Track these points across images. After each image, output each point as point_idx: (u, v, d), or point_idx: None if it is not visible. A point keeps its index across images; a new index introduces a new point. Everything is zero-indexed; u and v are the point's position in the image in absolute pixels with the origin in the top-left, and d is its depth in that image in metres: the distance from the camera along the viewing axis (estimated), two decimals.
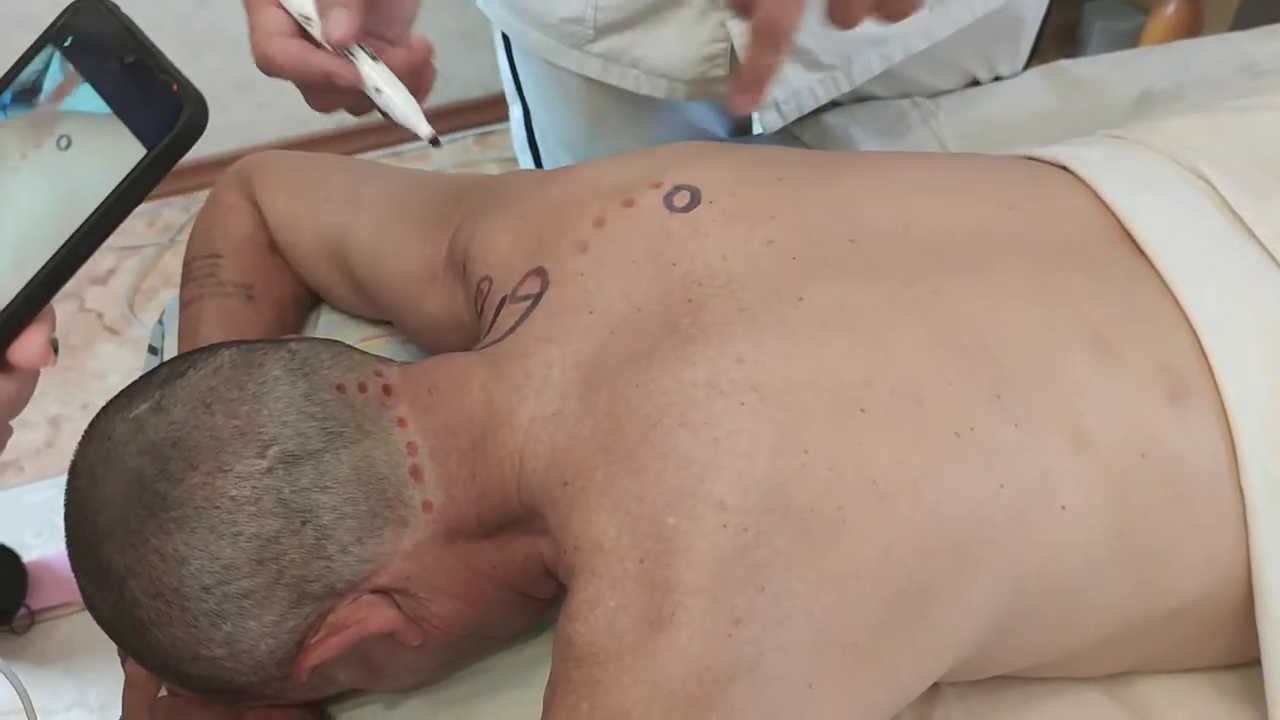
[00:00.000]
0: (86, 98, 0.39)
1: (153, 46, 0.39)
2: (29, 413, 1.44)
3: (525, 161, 1.03)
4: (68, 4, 0.40)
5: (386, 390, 0.53)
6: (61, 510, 0.51)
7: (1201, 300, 0.53)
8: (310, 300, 0.80)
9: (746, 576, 0.44)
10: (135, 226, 1.92)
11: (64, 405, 1.68)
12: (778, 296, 0.50)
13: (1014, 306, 0.52)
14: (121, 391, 0.52)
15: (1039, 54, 0.93)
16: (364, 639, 0.50)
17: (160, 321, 0.84)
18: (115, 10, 0.40)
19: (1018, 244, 0.55)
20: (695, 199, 0.56)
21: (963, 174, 0.60)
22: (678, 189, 0.56)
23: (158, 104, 0.38)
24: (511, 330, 0.55)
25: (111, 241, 0.41)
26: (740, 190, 0.56)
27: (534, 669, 0.62)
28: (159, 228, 1.95)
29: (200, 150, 0.42)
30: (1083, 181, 0.60)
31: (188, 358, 0.52)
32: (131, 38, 0.39)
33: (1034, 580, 0.49)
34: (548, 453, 0.50)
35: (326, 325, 0.80)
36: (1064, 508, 0.48)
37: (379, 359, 0.56)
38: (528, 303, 0.56)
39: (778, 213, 0.54)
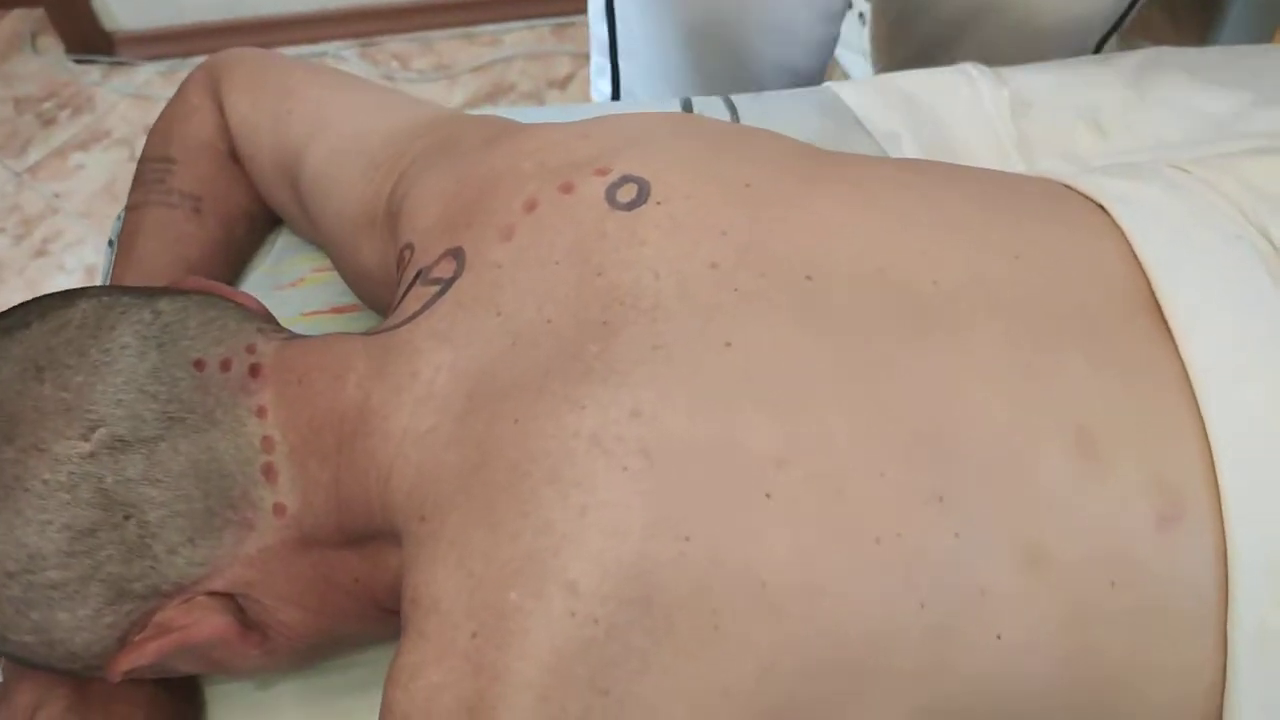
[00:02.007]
0: None
1: None
2: (68, 259, 1.41)
3: (599, 66, 0.95)
4: None
5: (253, 372, 0.47)
6: None
7: (1229, 408, 0.43)
8: (269, 220, 0.73)
9: (588, 676, 0.37)
10: (152, 80, 1.86)
11: (100, 255, 1.67)
12: (702, 337, 0.42)
13: (984, 387, 0.43)
14: None
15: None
16: (188, 647, 0.45)
17: (119, 217, 0.78)
18: None
19: (1012, 306, 0.45)
20: (642, 195, 0.47)
21: (970, 202, 0.50)
22: (625, 180, 0.48)
23: None
24: (411, 319, 0.48)
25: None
26: (697, 192, 0.47)
27: None
28: (177, 84, 1.90)
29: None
30: (1118, 226, 0.49)
31: (41, 304, 0.46)
32: None
33: (953, 713, 0.41)
34: (413, 475, 0.43)
35: (283, 250, 0.73)
36: (999, 637, 0.40)
37: (263, 329, 0.49)
38: (436, 288, 0.48)
39: (731, 229, 0.46)
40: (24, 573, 0.42)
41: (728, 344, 0.42)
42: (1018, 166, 0.71)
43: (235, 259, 0.71)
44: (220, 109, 0.69)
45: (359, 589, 0.48)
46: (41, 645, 0.44)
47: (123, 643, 0.45)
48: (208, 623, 0.45)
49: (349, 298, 0.68)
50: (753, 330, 0.42)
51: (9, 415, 0.42)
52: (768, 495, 0.39)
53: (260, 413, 0.46)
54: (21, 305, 0.47)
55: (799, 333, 0.43)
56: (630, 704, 0.37)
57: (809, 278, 0.44)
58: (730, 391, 0.41)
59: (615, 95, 0.98)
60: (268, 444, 0.45)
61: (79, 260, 1.67)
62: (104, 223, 1.69)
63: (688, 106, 0.80)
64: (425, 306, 0.48)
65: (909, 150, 0.72)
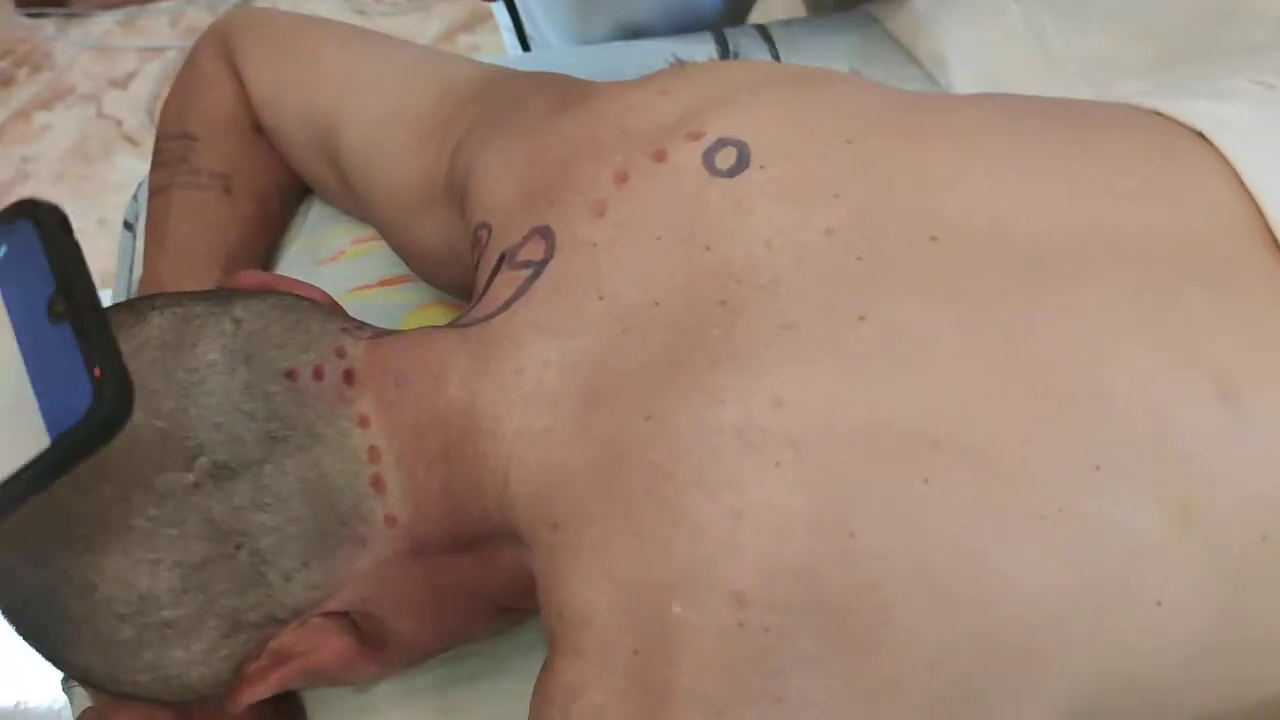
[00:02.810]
0: None
1: (92, 299, 0.29)
2: None
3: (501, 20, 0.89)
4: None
5: (348, 378, 0.44)
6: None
7: None
8: (301, 190, 0.69)
9: (761, 686, 0.36)
10: (158, 26, 1.78)
11: (81, 219, 1.59)
12: (833, 313, 0.40)
13: (1117, 341, 0.41)
14: None
15: None
16: (309, 673, 0.43)
17: (135, 197, 0.74)
18: (65, 227, 0.30)
19: (1128, 249, 0.43)
20: (743, 160, 0.44)
21: (1068, 144, 0.47)
22: (722, 143, 0.45)
23: (73, 381, 0.29)
24: (506, 306, 0.45)
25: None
26: (799, 152, 0.44)
27: (523, 657, 0.55)
28: (183, 29, 1.81)
29: None
30: (1219, 152, 0.47)
31: (109, 320, 0.43)
32: (69, 276, 0.30)
33: (1113, 684, 0.40)
34: (534, 479, 0.41)
35: (318, 221, 0.70)
36: (1159, 603, 0.39)
37: (344, 327, 0.46)
38: (527, 272, 0.45)
39: (844, 190, 0.43)
40: (136, 615, 0.40)
41: (861, 317, 0.40)
42: (1082, 90, 0.68)
43: (272, 236, 0.68)
44: (237, 78, 0.64)
45: (474, 591, 0.47)
46: (155, 683, 0.42)
47: (238, 672, 0.43)
48: (328, 647, 0.43)
49: (397, 268, 0.65)
50: (884, 300, 0.40)
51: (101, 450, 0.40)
52: (926, 480, 0.37)
53: (362, 422, 0.43)
54: None
55: (930, 299, 0.40)
56: (805, 709, 0.36)
57: (934, 239, 0.42)
58: (871, 369, 0.39)
59: (524, 46, 0.90)
60: (374, 454, 0.43)
61: None
62: (80, 185, 1.62)
63: (721, 40, 0.76)
64: (519, 293, 0.45)
65: (961, 78, 0.69)
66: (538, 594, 0.41)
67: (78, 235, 0.33)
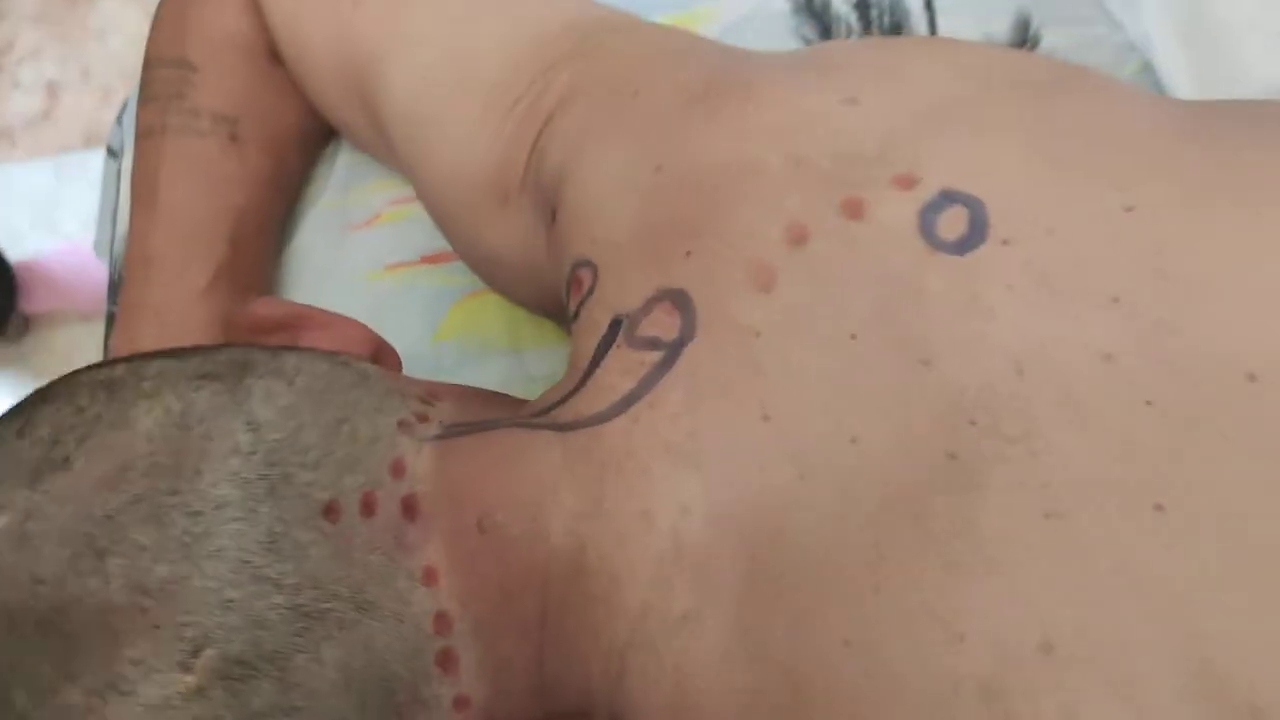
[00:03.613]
0: None
1: None
2: (23, 75, 1.23)
3: None
4: None
5: (409, 510, 0.32)
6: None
7: None
8: (324, 137, 0.55)
9: None
10: None
11: (62, 69, 1.43)
12: (1123, 496, 0.28)
13: None
14: None
15: None
16: None
17: (119, 120, 0.60)
18: None
19: None
20: (978, 228, 0.31)
21: None
22: (947, 199, 0.31)
23: None
24: (626, 405, 0.33)
25: None
26: (1060, 222, 0.31)
27: None
28: None
29: None
30: None
31: (78, 414, 0.31)
32: None
33: None
34: (669, 684, 0.30)
35: (348, 172, 0.56)
36: None
37: (401, 420, 0.33)
38: (655, 356, 0.33)
39: (1126, 292, 0.30)
40: None
41: (1158, 507, 0.27)
42: None
43: (289, 197, 0.54)
44: None
45: None
46: None
47: None
48: None
49: (442, 240, 0.52)
50: (1195, 482, 0.28)
51: (66, 634, 0.28)
52: None
53: (428, 577, 0.31)
54: (42, 405, 0.31)
55: (1260, 482, 0.28)
56: None
57: (1252, 378, 0.29)
58: (1178, 597, 0.27)
59: None
60: (442, 624, 0.31)
61: (38, 75, 1.44)
62: (63, 30, 1.45)
63: None
64: (644, 387, 0.32)
65: (1180, 66, 0.55)
66: None
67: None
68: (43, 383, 0.32)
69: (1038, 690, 0.26)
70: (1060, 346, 0.29)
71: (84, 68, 1.44)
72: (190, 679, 0.28)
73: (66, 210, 1.33)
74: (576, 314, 0.37)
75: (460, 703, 0.32)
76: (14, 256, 1.28)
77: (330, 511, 0.30)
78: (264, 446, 0.30)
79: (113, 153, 0.60)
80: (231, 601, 0.28)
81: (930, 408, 0.29)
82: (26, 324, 1.30)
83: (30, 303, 1.30)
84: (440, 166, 0.43)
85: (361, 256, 0.54)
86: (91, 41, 1.45)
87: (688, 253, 0.33)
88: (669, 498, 0.31)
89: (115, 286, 0.56)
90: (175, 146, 0.49)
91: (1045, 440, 0.28)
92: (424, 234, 0.54)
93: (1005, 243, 0.31)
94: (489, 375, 0.51)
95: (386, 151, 0.50)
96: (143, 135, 0.50)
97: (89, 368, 0.33)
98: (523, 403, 0.38)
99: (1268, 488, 0.28)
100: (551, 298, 0.41)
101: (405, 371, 0.38)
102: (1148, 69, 0.56)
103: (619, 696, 0.31)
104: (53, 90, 1.43)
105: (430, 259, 0.54)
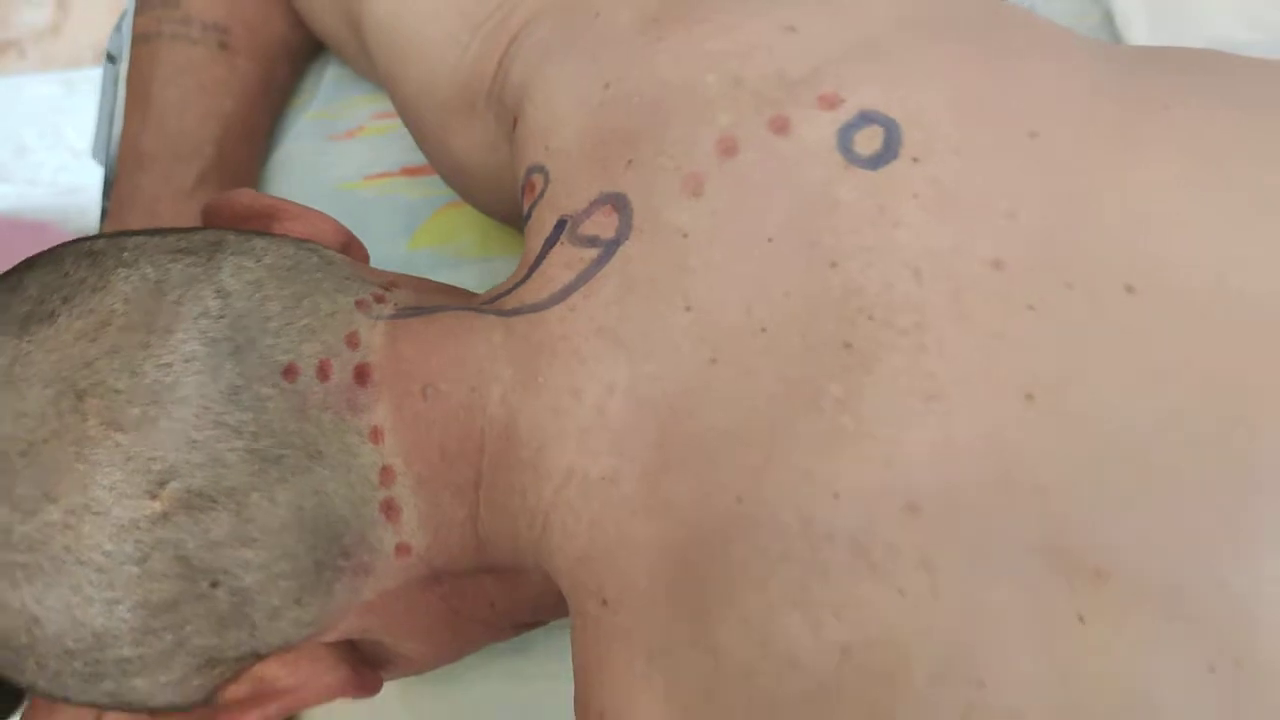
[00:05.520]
0: None
1: None
2: None
3: None
4: None
5: (361, 376, 0.35)
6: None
7: None
8: (312, 52, 0.58)
9: None
10: None
11: None
12: (994, 385, 0.31)
13: None
14: None
15: None
16: (295, 709, 0.37)
17: (118, 27, 0.62)
18: None
19: None
20: (891, 145, 0.34)
21: None
22: (865, 119, 0.34)
23: None
24: (564, 296, 0.36)
25: None
26: (967, 145, 0.34)
27: (532, 635, 0.50)
28: None
29: None
30: None
31: (63, 276, 0.34)
32: None
33: None
34: (586, 537, 0.33)
35: (334, 86, 0.59)
36: None
37: (359, 299, 0.36)
38: (593, 253, 0.36)
39: (1022, 208, 0.33)
40: (89, 651, 0.33)
41: (1029, 396, 0.31)
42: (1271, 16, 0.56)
43: (276, 105, 0.57)
44: None
45: (494, 613, 0.40)
46: (116, 704, 0.36)
47: (210, 696, 0.36)
48: (318, 682, 0.36)
49: (421, 155, 0.55)
50: (1061, 376, 0.31)
51: (47, 462, 0.31)
52: (1083, 620, 0.29)
53: (375, 435, 0.35)
54: (32, 269, 0.35)
55: (1120, 381, 0.31)
56: None
57: (1130, 289, 0.32)
58: (1037, 472, 0.30)
59: None
60: (387, 476, 0.35)
61: None
62: None
63: None
64: (580, 280, 0.36)
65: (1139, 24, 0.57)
66: (575, 671, 0.34)
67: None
68: None
69: (900, 543, 0.29)
70: (956, 254, 0.32)
71: None
72: (157, 505, 0.31)
73: (73, 123, 1.35)
74: (529, 215, 0.39)
75: (402, 550, 0.35)
76: (19, 168, 1.31)
77: (289, 372, 0.34)
78: (231, 313, 0.34)
79: (111, 58, 0.63)
80: (196, 442, 0.32)
81: (833, 304, 0.32)
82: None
83: None
84: (414, 79, 0.46)
85: (344, 165, 0.56)
86: None
87: (629, 161, 0.36)
88: (597, 376, 0.34)
89: (109, 185, 0.59)
90: (168, 52, 0.52)
91: (933, 334, 0.31)
92: (406, 147, 0.56)
93: (915, 160, 0.34)
94: (461, 281, 0.54)
95: (368, 64, 0.53)
96: (138, 41, 0.53)
97: (74, 241, 0.36)
98: (475, 295, 0.41)
99: (1128, 388, 0.31)
100: (512, 205, 0.44)
101: None
102: (1108, 20, 0.58)
103: (542, 550, 0.35)
104: (63, 3, 1.45)
105: (410, 171, 0.57)
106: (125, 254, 0.34)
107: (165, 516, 0.32)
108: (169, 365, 0.32)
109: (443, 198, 0.56)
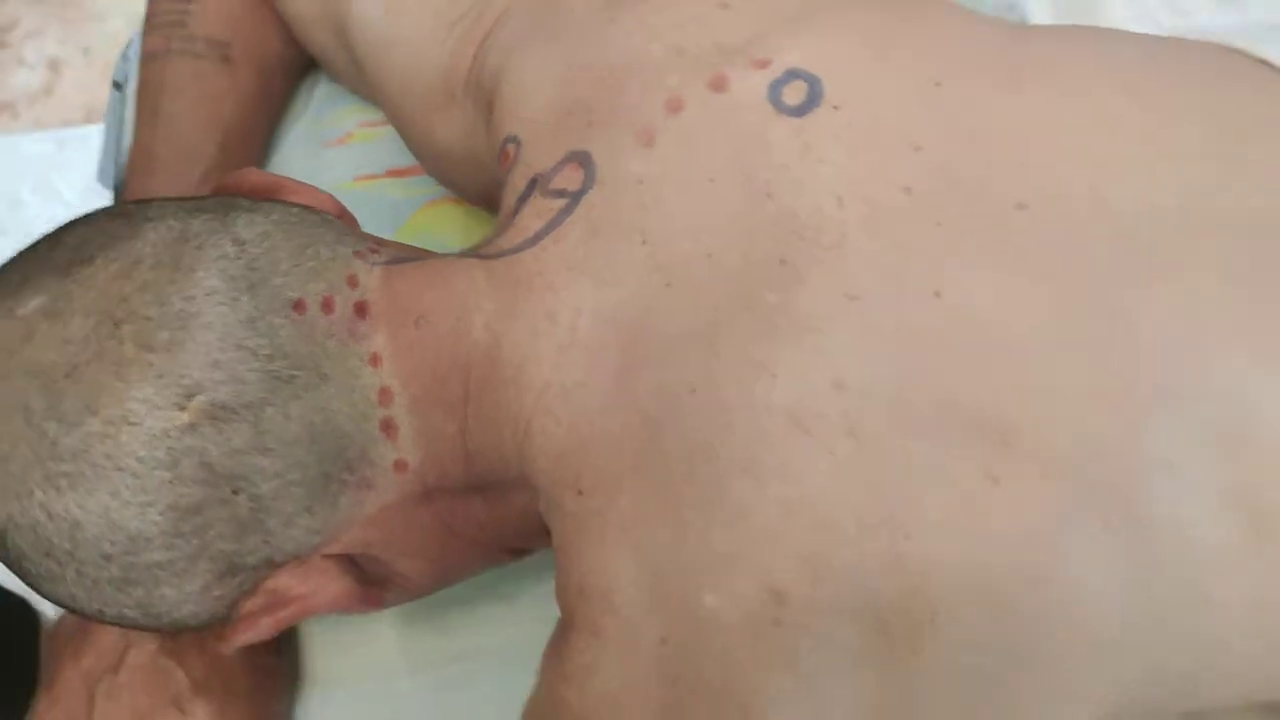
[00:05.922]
0: None
1: None
2: (26, 52, 1.31)
3: None
4: None
5: (360, 310, 0.40)
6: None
7: None
8: (306, 65, 0.64)
9: (794, 687, 0.33)
10: None
11: (63, 47, 1.51)
12: (905, 286, 0.36)
13: (1215, 334, 0.37)
14: (10, 262, 0.39)
15: None
16: (306, 616, 0.41)
17: (125, 55, 0.68)
18: None
19: (1239, 229, 0.39)
20: (814, 96, 0.40)
21: (1174, 93, 0.42)
22: (791, 75, 0.40)
23: None
24: (535, 240, 0.41)
25: None
26: (879, 93, 0.40)
27: (519, 579, 0.54)
28: None
29: None
30: None
31: (99, 230, 0.39)
32: None
33: (1161, 688, 0.38)
34: (563, 437, 0.38)
35: (324, 99, 0.64)
36: (1226, 606, 0.37)
37: (356, 250, 0.42)
38: (561, 203, 0.41)
39: (927, 142, 0.39)
40: (124, 555, 0.37)
41: (937, 293, 0.36)
42: (1161, 17, 0.62)
43: (273, 113, 0.62)
44: None
45: (484, 533, 0.44)
46: (143, 618, 0.40)
47: (231, 609, 0.40)
48: (326, 591, 0.41)
49: (407, 157, 0.60)
50: (963, 276, 0.36)
51: (89, 382, 0.36)
52: (994, 481, 0.34)
53: (374, 361, 0.39)
54: (69, 228, 0.40)
55: (1015, 278, 0.36)
56: (836, 711, 0.34)
57: (1021, 206, 0.38)
58: (945, 354, 0.35)
59: None
60: (385, 396, 0.40)
61: (40, 53, 1.52)
62: (63, 10, 1.53)
63: None
64: (550, 226, 0.41)
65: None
66: (555, 561, 0.39)
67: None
68: None
69: (829, 412, 0.34)
70: (871, 182, 0.38)
71: (85, 46, 1.51)
72: (185, 415, 0.36)
73: (65, 178, 1.41)
74: (505, 180, 0.45)
75: (400, 465, 0.40)
76: (14, 222, 1.36)
77: (297, 306, 0.39)
78: (246, 256, 0.39)
79: (118, 85, 0.68)
80: (218, 362, 0.36)
81: (769, 227, 0.38)
82: None
83: None
84: (398, 76, 0.52)
85: (336, 168, 0.62)
86: (92, 23, 1.54)
87: (589, 123, 0.42)
88: (568, 302, 0.39)
89: (119, 195, 0.64)
90: (175, 66, 0.58)
91: (853, 247, 0.37)
92: (390, 151, 0.62)
93: (835, 108, 0.39)
94: None
95: (356, 75, 0.58)
96: (147, 59, 0.59)
97: (102, 209, 0.41)
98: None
99: (1023, 286, 0.36)
100: (490, 186, 0.50)
101: None
102: (1014, 8, 0.65)
103: (525, 455, 0.39)
104: (55, 66, 1.51)
105: (396, 172, 0.62)
106: (151, 211, 0.40)
107: (192, 426, 0.36)
108: (193, 297, 0.37)
109: (426, 196, 0.61)
